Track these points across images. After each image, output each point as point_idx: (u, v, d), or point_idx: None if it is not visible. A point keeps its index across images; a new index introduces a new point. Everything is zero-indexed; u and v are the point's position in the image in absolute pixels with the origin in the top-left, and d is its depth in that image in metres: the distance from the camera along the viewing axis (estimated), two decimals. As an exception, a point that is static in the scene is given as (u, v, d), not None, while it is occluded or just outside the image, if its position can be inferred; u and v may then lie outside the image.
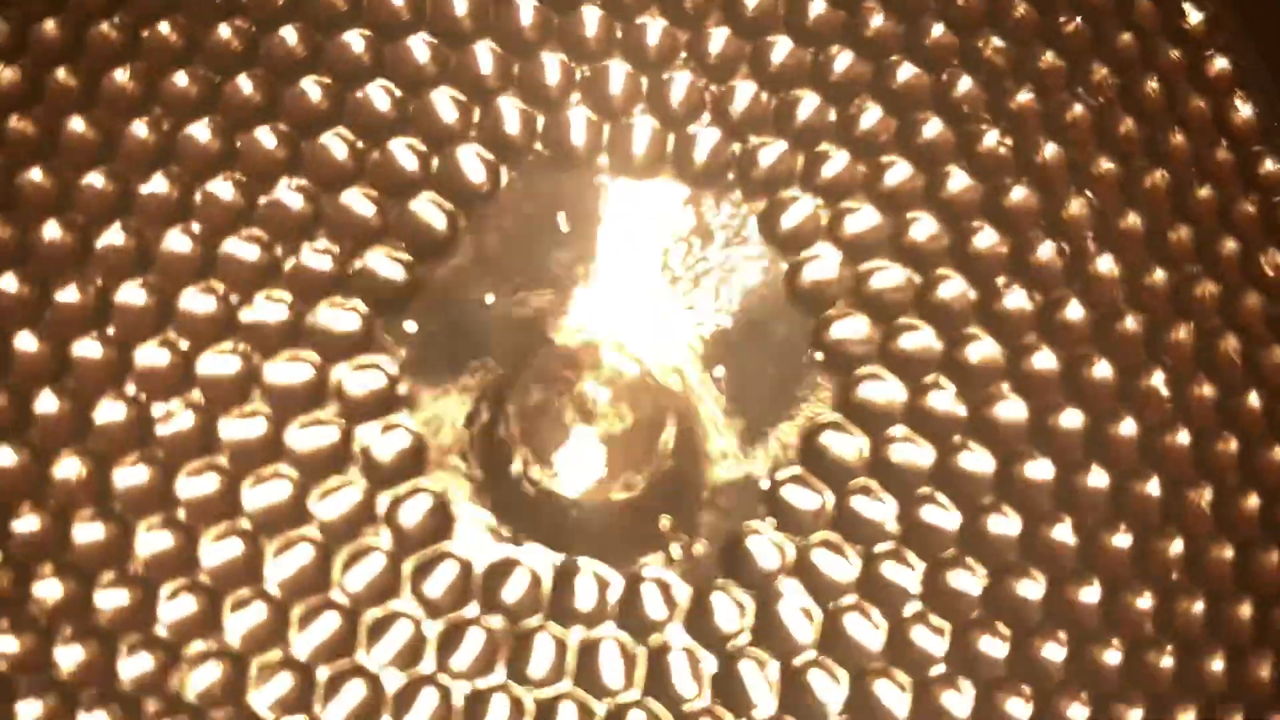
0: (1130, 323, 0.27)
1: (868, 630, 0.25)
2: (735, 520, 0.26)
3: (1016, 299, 0.27)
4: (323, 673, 0.25)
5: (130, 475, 0.25)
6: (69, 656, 0.25)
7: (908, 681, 0.26)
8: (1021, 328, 0.27)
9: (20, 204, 0.26)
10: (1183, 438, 0.27)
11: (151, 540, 0.25)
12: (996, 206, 0.27)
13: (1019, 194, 0.28)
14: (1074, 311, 0.27)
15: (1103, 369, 0.27)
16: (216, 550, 0.25)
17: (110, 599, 0.25)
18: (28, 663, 0.25)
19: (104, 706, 0.25)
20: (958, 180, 0.27)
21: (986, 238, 0.27)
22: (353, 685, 0.25)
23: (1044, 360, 0.27)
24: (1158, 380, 0.27)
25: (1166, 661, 0.26)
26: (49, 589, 0.25)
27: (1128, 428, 0.27)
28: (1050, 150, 0.28)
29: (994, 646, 0.26)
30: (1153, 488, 0.27)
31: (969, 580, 0.26)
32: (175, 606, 0.25)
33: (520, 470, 0.26)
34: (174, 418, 0.26)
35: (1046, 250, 0.27)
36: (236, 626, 0.25)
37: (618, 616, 0.26)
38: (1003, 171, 0.28)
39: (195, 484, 0.25)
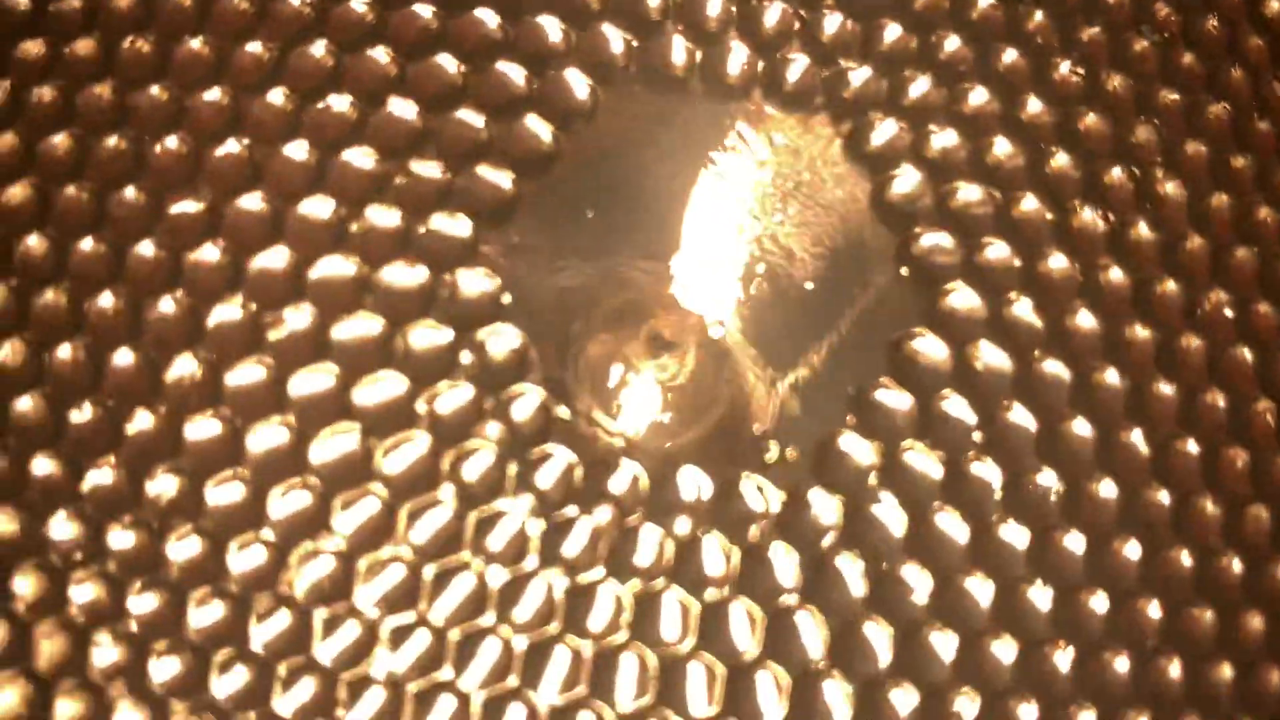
0: (1195, 241, 0.29)
1: (958, 527, 0.27)
2: (826, 427, 0.27)
3: (1088, 217, 0.28)
4: (429, 570, 0.26)
5: (244, 374, 0.26)
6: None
7: (991, 583, 0.27)
8: (1096, 245, 0.28)
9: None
10: (1245, 354, 0.29)
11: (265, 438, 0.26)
12: (1070, 131, 0.29)
13: (1090, 119, 0.29)
14: (1143, 231, 0.29)
15: (1170, 287, 0.29)
16: (329, 445, 0.26)
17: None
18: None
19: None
20: (1033, 105, 0.29)
21: (1061, 159, 0.29)
22: (462, 578, 0.26)
23: (1116, 276, 0.28)
24: (1221, 297, 0.29)
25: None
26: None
27: (1193, 342, 0.29)
28: (1118, 80, 0.30)
29: (1074, 541, 0.27)
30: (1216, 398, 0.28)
31: (1049, 479, 0.27)
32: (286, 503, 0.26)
33: (619, 380, 0.27)
34: (286, 323, 0.27)
35: (1117, 174, 0.29)
36: (347, 522, 0.26)
37: (713, 517, 0.27)
38: (1074, 99, 0.29)
39: (310, 380, 0.26)
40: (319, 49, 0.27)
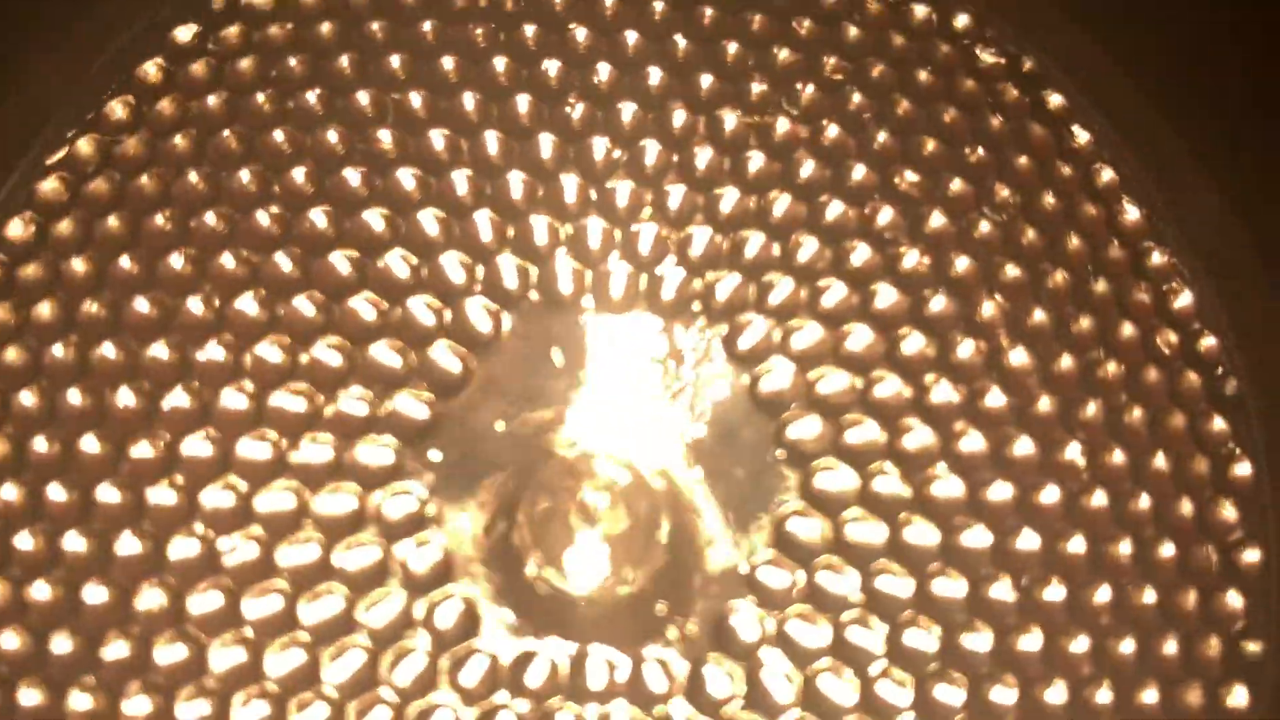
0: (1045, 404, 0.32)
1: (841, 688, 0.30)
2: (721, 601, 0.30)
3: (944, 391, 0.32)
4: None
5: (203, 601, 0.30)
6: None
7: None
8: (951, 416, 0.32)
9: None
10: (1099, 499, 0.32)
11: (224, 656, 0.30)
12: (920, 314, 0.33)
13: (939, 303, 0.33)
14: (995, 399, 0.32)
15: (1024, 445, 0.32)
16: (281, 660, 0.30)
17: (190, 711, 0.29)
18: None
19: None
20: (885, 295, 0.33)
21: (914, 342, 0.32)
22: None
23: (973, 442, 0.32)
24: (1074, 452, 0.32)
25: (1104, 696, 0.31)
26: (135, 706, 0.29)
27: (1050, 494, 0.32)
28: (963, 263, 0.33)
29: (950, 694, 0.30)
30: (1077, 544, 0.32)
31: (925, 638, 0.30)
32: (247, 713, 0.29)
33: (534, 573, 0.31)
34: (237, 550, 0.30)
35: (967, 348, 0.32)
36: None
37: (627, 693, 0.30)
38: (923, 284, 0.33)
39: (260, 604, 0.30)
40: (251, 304, 0.31)
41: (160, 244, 0.32)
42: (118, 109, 0.33)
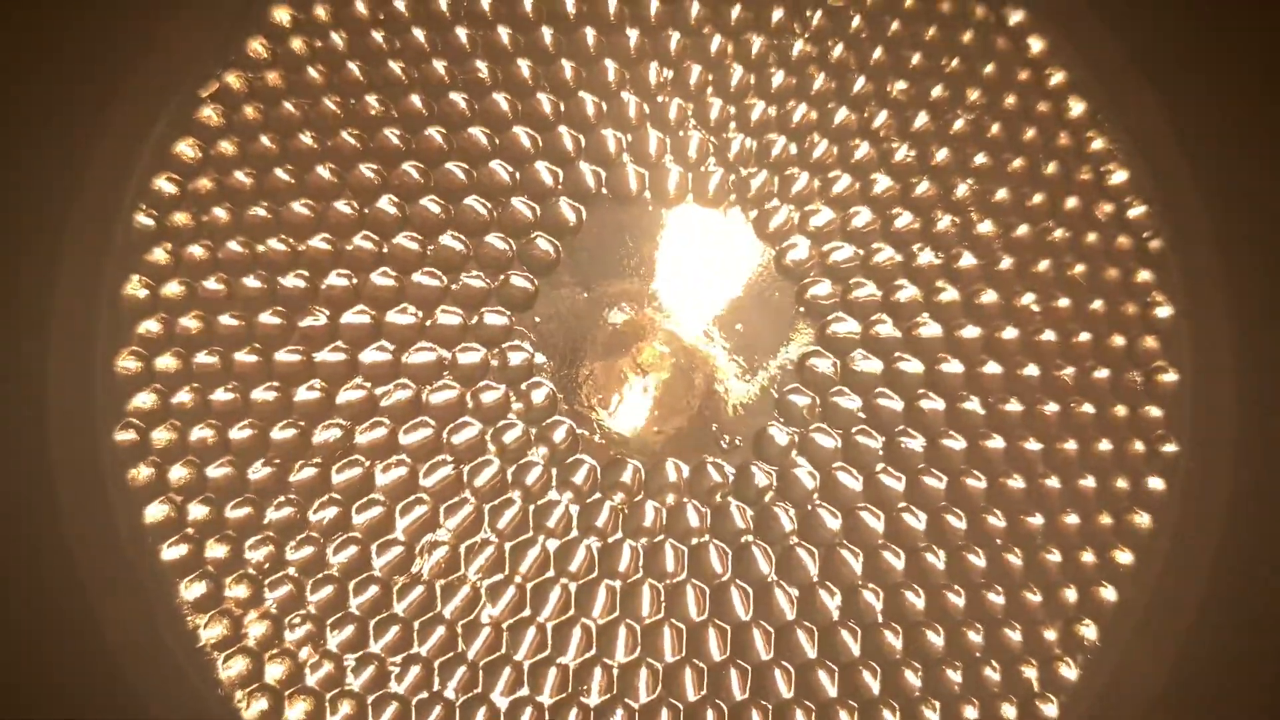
0: (1006, 263, 0.41)
1: (851, 482, 0.40)
2: (759, 421, 0.40)
3: (926, 256, 0.41)
4: (509, 545, 0.39)
5: (369, 434, 0.40)
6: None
7: (881, 514, 0.40)
8: (932, 275, 0.41)
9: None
10: (1049, 335, 0.41)
11: (387, 475, 0.39)
12: (908, 196, 0.41)
13: (923, 187, 0.41)
14: (967, 260, 0.41)
15: (989, 295, 0.41)
16: (433, 475, 0.39)
17: (362, 516, 0.39)
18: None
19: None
20: (881, 183, 0.41)
21: (904, 219, 0.41)
22: (534, 549, 0.39)
23: (949, 295, 0.41)
24: (1028, 299, 0.41)
25: (1053, 483, 0.41)
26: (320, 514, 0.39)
27: (1010, 333, 0.41)
28: (942, 153, 0.42)
29: (934, 484, 0.40)
30: (1031, 371, 0.41)
31: (914, 444, 0.40)
32: (408, 519, 0.39)
33: (613, 407, 0.40)
34: (393, 394, 0.40)
35: (944, 222, 0.41)
36: (451, 522, 0.39)
37: (689, 490, 0.40)
38: (910, 173, 0.41)
39: (414, 436, 0.39)
40: (388, 205, 0.40)
41: (308, 159, 0.40)
42: (258, 48, 0.41)
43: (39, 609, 0.40)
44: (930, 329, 0.41)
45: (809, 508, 0.40)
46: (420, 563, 0.39)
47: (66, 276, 0.40)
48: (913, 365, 0.41)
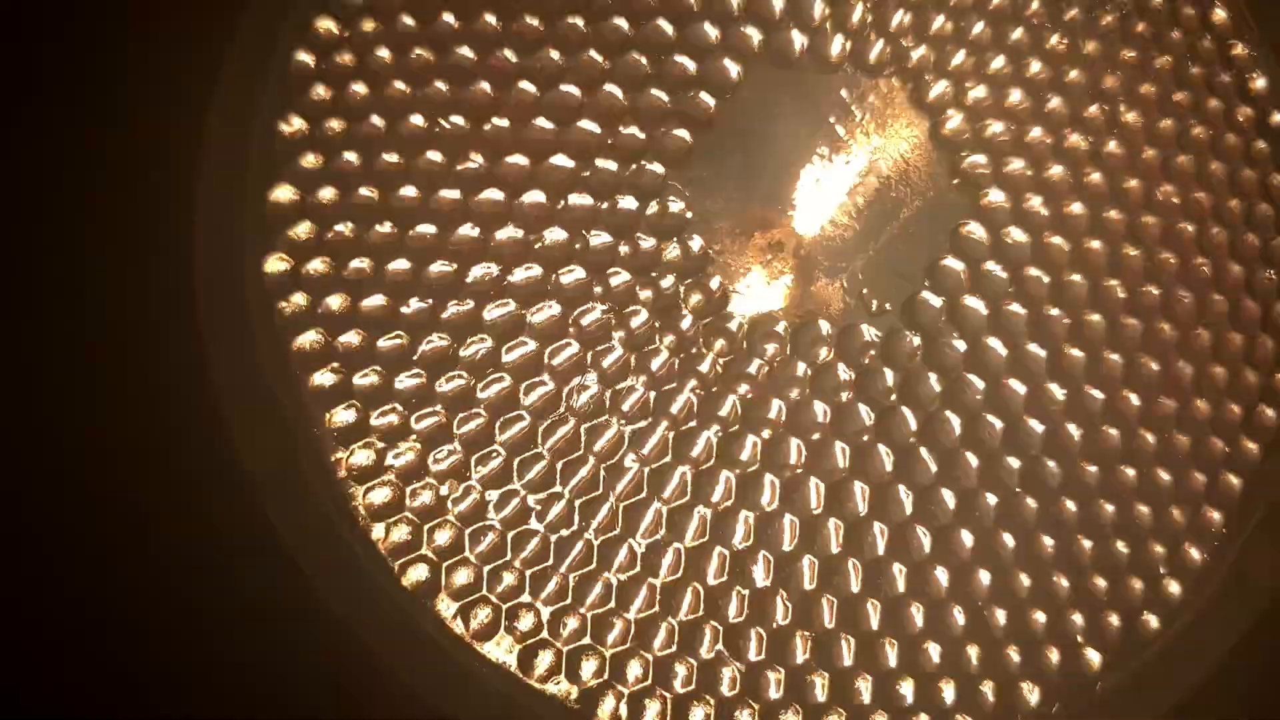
0: (1149, 152, 0.42)
1: (999, 348, 0.40)
2: (911, 286, 0.41)
3: (1075, 139, 0.42)
4: (654, 393, 0.40)
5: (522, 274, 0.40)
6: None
7: (1022, 384, 0.40)
8: (1080, 160, 0.42)
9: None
10: (1186, 225, 0.42)
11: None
12: (1061, 82, 0.42)
13: (1074, 74, 0.42)
14: (1112, 148, 0.42)
15: (1131, 183, 0.42)
16: (589, 317, 0.40)
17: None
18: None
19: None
20: (1034, 66, 0.42)
21: (1056, 102, 0.42)
22: (681, 396, 0.40)
23: (1096, 178, 0.42)
24: (1165, 194, 0.42)
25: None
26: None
27: (1151, 220, 0.42)
28: (1092, 45, 0.43)
29: (1077, 356, 0.40)
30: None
31: (1057, 312, 0.41)
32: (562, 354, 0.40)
33: (764, 269, 0.41)
34: (546, 239, 0.40)
35: (1094, 109, 0.42)
36: (600, 361, 0.40)
37: (838, 347, 0.40)
38: (1061, 61, 0.42)
39: (569, 277, 0.40)
40: (555, 56, 0.41)
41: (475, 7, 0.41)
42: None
43: (177, 432, 0.40)
44: (1077, 208, 0.42)
45: (954, 375, 0.40)
46: (567, 403, 0.40)
47: (220, 107, 0.41)
48: (1059, 239, 0.41)
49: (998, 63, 0.42)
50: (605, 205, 0.41)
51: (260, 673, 0.38)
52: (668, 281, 0.41)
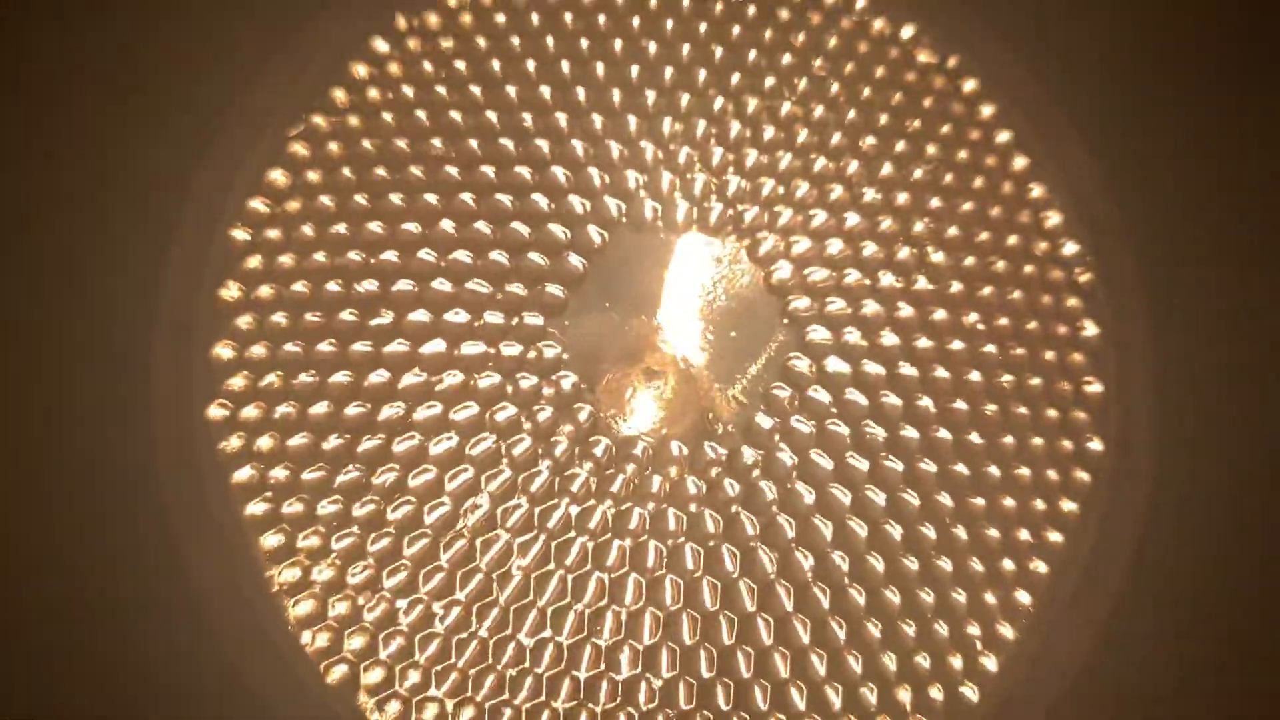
0: (956, 287, 0.50)
1: (824, 462, 0.48)
2: (750, 410, 0.48)
3: (888, 279, 0.49)
4: (538, 508, 0.47)
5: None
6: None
7: (846, 490, 0.48)
8: (894, 296, 0.49)
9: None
10: (990, 348, 0.49)
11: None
12: (875, 231, 0.50)
13: (887, 223, 0.50)
14: (922, 285, 0.50)
15: (940, 314, 0.49)
16: (479, 447, 0.47)
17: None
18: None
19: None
20: (851, 220, 0.50)
21: (870, 249, 0.50)
22: (559, 511, 0.47)
23: (907, 313, 0.49)
24: (972, 319, 0.50)
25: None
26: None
27: (957, 345, 0.49)
28: (903, 197, 0.50)
29: (893, 467, 0.48)
30: (975, 376, 0.49)
31: (878, 431, 0.48)
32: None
33: (629, 399, 0.48)
34: (445, 381, 0.48)
35: (904, 253, 0.50)
36: (493, 486, 0.47)
37: (689, 464, 0.48)
38: (877, 211, 0.50)
39: (465, 412, 0.47)
40: (449, 225, 0.49)
41: (381, 188, 0.49)
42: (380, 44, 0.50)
43: (129, 560, 0.47)
44: (890, 339, 0.49)
45: (788, 485, 0.48)
46: (463, 521, 0.47)
47: (172, 277, 0.49)
48: (875, 369, 0.49)
49: (818, 219, 0.50)
50: (493, 351, 0.48)
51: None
52: (546, 414, 0.48)
